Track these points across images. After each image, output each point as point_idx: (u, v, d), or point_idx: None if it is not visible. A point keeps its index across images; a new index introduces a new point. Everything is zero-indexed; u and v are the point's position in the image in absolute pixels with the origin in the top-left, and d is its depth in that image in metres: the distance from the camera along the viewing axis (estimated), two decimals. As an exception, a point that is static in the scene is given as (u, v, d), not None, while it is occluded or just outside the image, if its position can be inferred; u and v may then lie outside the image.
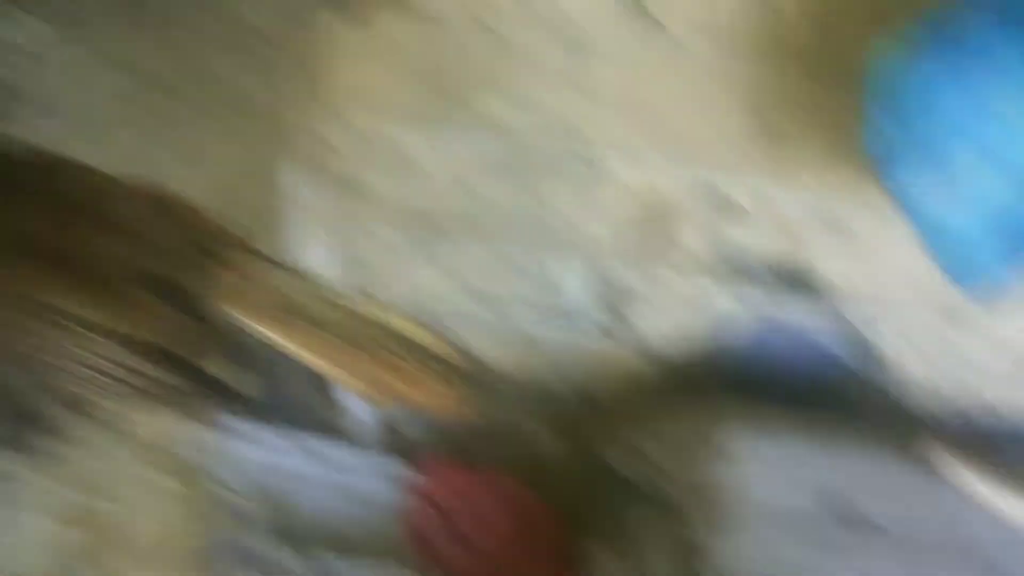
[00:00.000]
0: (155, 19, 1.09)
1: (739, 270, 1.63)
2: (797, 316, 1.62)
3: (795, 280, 1.59)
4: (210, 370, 0.62)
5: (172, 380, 0.60)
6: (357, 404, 1.93)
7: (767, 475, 1.61)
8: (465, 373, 0.72)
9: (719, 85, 1.38)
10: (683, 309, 1.72)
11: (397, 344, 0.71)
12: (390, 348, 0.70)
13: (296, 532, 1.90)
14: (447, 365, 0.72)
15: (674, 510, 1.76)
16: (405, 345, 0.71)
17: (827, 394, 1.63)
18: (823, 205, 1.42)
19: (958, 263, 1.12)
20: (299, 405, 2.00)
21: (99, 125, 0.97)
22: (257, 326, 0.65)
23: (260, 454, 1.91)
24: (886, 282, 1.54)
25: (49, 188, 0.61)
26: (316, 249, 1.45)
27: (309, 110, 1.17)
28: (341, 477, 1.98)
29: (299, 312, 0.67)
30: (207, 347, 0.61)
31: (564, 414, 2.03)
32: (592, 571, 1.76)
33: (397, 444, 2.05)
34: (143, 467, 0.80)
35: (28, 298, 0.56)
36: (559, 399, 2.03)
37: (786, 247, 1.51)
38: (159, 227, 0.62)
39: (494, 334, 1.92)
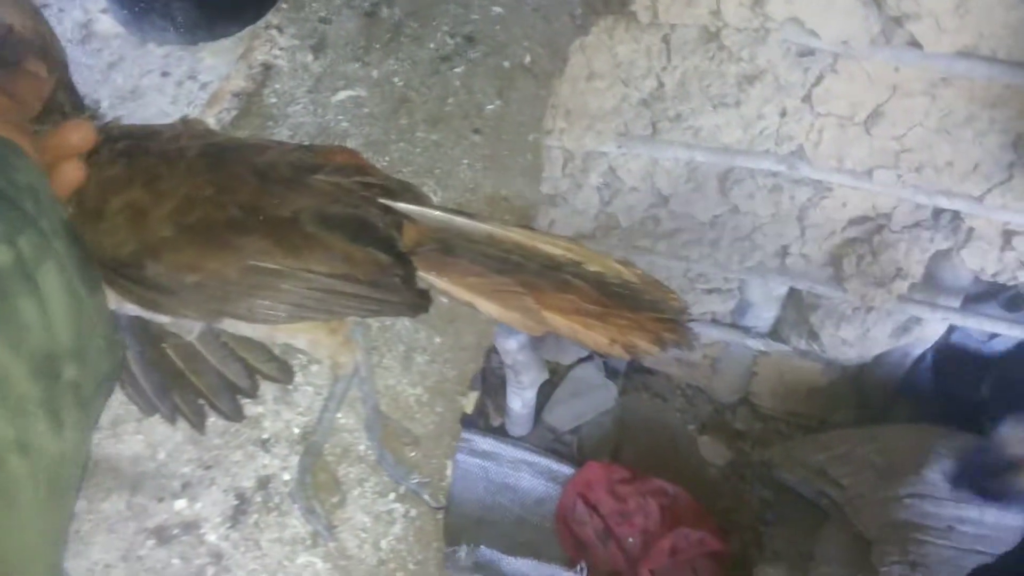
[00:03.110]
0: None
1: (955, 290, 1.57)
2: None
3: (1018, 302, 1.54)
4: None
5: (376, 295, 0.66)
6: (518, 404, 1.92)
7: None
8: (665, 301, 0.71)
9: (977, 112, 1.30)
10: (880, 328, 1.66)
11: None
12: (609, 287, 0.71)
13: (457, 521, 1.92)
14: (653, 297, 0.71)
15: (844, 524, 1.73)
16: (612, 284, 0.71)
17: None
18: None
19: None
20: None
21: (333, 136, 0.95)
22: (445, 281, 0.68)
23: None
24: None
25: (254, 168, 0.64)
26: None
27: (541, 128, 1.12)
28: (499, 471, 1.99)
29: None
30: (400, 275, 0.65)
31: (728, 422, 2.01)
32: (750, 572, 1.74)
33: (554, 444, 2.05)
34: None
35: (254, 268, 0.60)
36: (725, 407, 2.01)
37: (1019, 271, 1.45)
38: (349, 183, 0.66)
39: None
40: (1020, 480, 1.09)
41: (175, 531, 0.73)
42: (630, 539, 1.95)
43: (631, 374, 2.09)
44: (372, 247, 0.68)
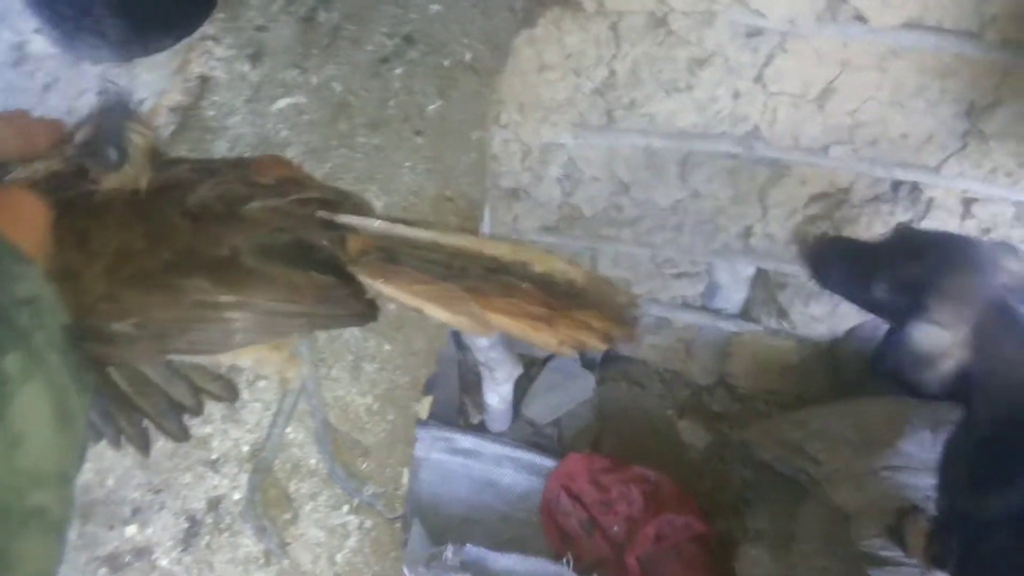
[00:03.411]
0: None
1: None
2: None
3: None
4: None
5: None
6: (495, 400, 1.92)
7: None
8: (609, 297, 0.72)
9: (928, 82, 1.30)
10: (849, 303, 1.66)
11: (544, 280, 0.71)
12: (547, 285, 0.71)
13: (442, 520, 1.92)
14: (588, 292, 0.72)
15: (823, 500, 1.74)
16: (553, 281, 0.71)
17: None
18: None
19: None
20: (445, 404, 1.99)
21: (273, 146, 0.94)
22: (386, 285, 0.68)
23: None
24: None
25: (185, 210, 0.63)
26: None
27: (485, 126, 1.12)
28: (481, 468, 1.99)
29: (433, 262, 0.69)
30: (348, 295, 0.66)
31: (706, 404, 2.02)
32: (734, 552, 1.75)
33: (534, 437, 2.05)
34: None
35: (197, 303, 0.60)
36: (702, 389, 2.01)
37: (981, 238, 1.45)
38: (286, 204, 0.66)
39: (642, 329, 1.88)
40: (931, 375, 1.14)
41: (127, 558, 0.72)
42: (615, 527, 1.96)
43: (607, 363, 2.09)
44: (314, 270, 0.68)
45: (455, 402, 1.95)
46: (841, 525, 1.66)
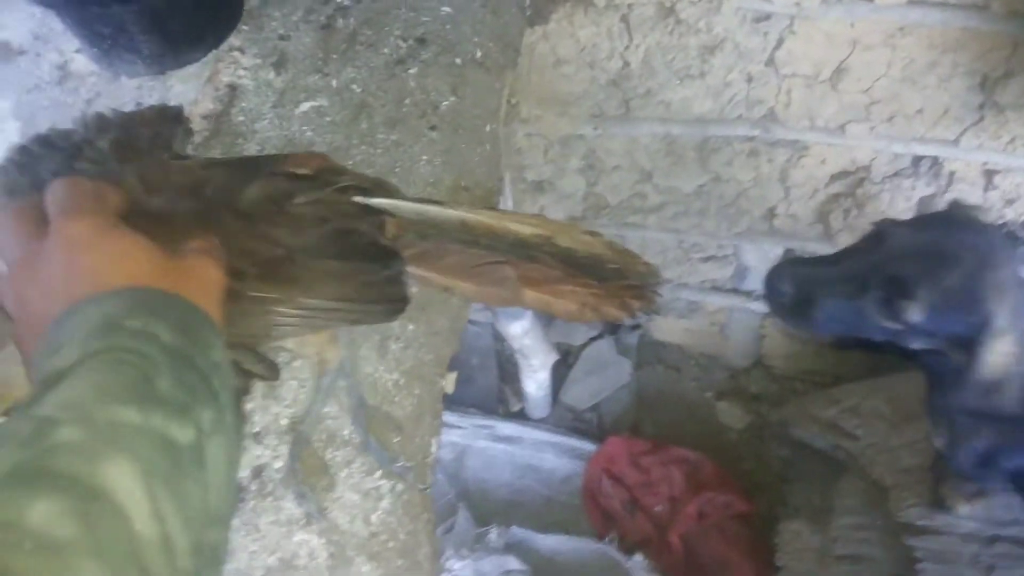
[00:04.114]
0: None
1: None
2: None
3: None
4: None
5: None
6: (534, 387, 1.98)
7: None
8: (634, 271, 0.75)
9: (938, 57, 1.33)
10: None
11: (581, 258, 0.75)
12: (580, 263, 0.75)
13: (487, 506, 1.98)
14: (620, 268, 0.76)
15: (861, 474, 1.76)
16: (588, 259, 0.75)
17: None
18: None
19: None
20: (485, 394, 2.06)
21: (299, 147, 1.01)
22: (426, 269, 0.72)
23: (453, 437, 2.00)
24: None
25: (238, 212, 0.68)
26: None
27: (506, 121, 1.17)
28: (523, 454, 2.05)
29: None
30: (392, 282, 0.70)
31: (743, 386, 2.05)
32: (777, 530, 1.77)
33: (574, 423, 2.10)
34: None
35: (246, 298, 0.65)
36: (739, 371, 2.04)
37: (1005, 209, 1.47)
38: (327, 195, 0.70)
39: (675, 314, 1.93)
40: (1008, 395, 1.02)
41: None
42: (657, 507, 2.00)
43: (644, 348, 2.13)
44: (358, 258, 0.73)
45: (495, 391, 2.02)
46: (879, 497, 1.69)
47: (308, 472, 0.84)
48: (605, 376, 2.05)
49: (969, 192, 1.52)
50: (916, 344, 1.02)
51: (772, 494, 1.97)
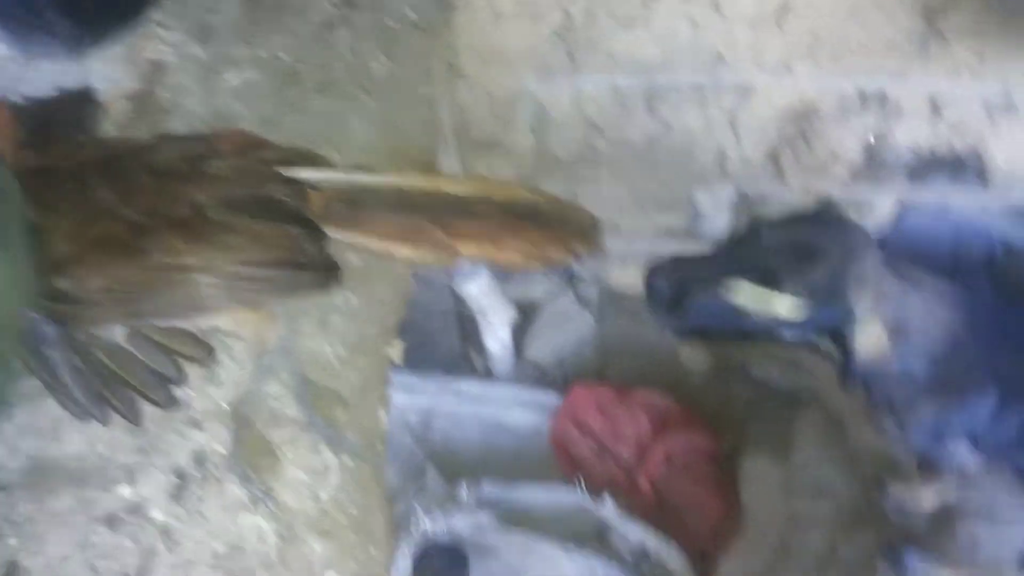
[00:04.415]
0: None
1: (897, 168, 1.59)
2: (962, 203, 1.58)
3: (961, 168, 1.55)
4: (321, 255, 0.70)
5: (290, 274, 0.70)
6: (496, 345, 1.96)
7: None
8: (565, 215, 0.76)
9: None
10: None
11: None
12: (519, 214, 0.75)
13: (457, 467, 1.97)
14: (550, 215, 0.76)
15: (820, 408, 1.78)
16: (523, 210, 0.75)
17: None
18: (998, 93, 1.36)
19: None
20: (448, 355, 2.04)
21: (227, 120, 0.98)
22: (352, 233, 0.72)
23: (418, 401, 1.98)
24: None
25: (150, 169, 0.67)
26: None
27: (446, 81, 1.15)
28: (490, 412, 2.04)
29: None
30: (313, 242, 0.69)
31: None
32: (740, 467, 1.79)
33: (538, 377, 2.10)
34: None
35: (162, 265, 0.64)
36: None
37: (953, 138, 1.46)
38: (246, 163, 0.69)
39: (633, 263, 1.92)
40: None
41: (123, 515, 0.79)
42: (624, 452, 2.01)
43: (604, 299, 2.12)
44: (279, 222, 0.71)
45: (458, 352, 2.00)
46: (837, 431, 1.71)
47: (252, 454, 0.83)
48: (567, 329, 2.04)
49: (917, 125, 1.52)
50: (788, 335, 1.06)
51: (736, 434, 1.98)
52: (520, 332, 2.01)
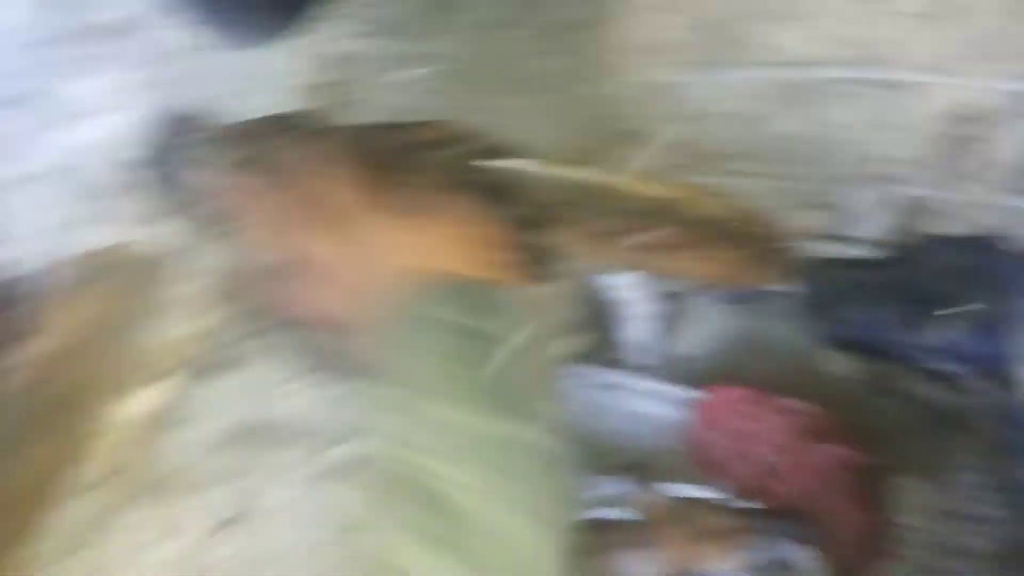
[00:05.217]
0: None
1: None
2: None
3: None
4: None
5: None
6: (642, 337, 2.01)
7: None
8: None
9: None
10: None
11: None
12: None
13: (597, 458, 2.02)
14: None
15: (975, 431, 1.73)
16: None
17: None
18: None
19: None
20: (589, 343, 2.10)
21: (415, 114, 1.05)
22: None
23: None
24: None
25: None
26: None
27: (605, 75, 1.20)
28: (629, 403, 2.08)
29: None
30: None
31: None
32: (888, 482, 1.75)
33: (681, 371, 2.12)
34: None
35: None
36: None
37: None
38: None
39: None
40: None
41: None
42: (763, 458, 2.00)
43: (752, 297, 2.12)
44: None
45: (599, 340, 2.06)
46: (1002, 461, 1.66)
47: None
48: (710, 325, 2.06)
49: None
50: (933, 363, 1.04)
51: (883, 447, 1.94)
52: (664, 325, 2.04)
